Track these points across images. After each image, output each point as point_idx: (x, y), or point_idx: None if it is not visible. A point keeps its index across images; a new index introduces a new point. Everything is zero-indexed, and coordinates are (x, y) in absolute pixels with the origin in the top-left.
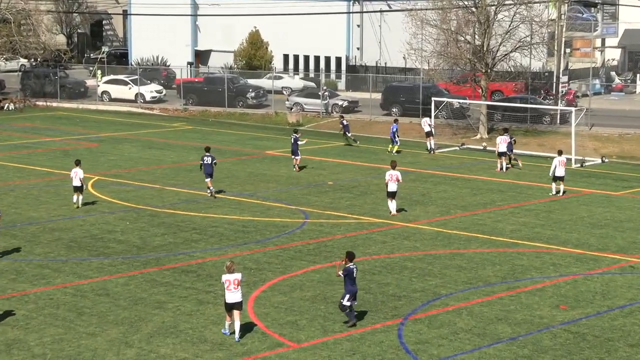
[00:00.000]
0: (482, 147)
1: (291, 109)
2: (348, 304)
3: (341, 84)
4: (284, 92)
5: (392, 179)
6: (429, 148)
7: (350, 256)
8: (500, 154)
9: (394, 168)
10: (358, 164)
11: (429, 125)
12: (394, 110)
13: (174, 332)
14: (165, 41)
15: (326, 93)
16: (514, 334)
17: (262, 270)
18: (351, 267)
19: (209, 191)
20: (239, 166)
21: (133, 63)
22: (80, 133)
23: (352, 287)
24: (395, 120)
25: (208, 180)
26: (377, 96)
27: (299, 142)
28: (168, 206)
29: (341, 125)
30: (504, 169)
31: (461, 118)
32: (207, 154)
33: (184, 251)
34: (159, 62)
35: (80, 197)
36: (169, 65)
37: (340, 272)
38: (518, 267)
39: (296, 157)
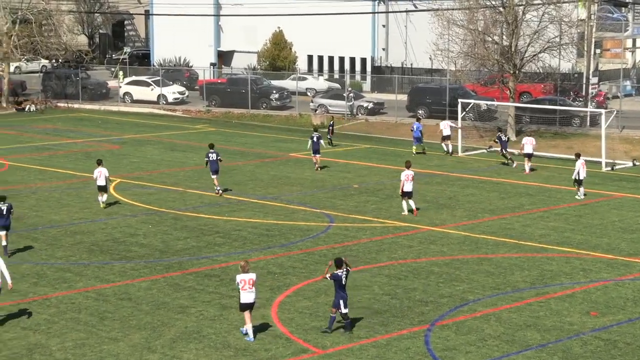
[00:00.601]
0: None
1: (315, 110)
2: (346, 310)
3: (366, 85)
4: (308, 94)
5: (408, 179)
6: (449, 151)
7: (337, 263)
8: (526, 156)
9: (408, 168)
10: (384, 166)
11: (450, 127)
12: (420, 112)
13: (197, 338)
14: (188, 42)
15: (351, 94)
16: (543, 341)
17: (286, 274)
18: (339, 273)
19: (217, 190)
20: (263, 169)
21: (155, 64)
22: (102, 135)
23: (342, 294)
24: (418, 119)
25: (215, 177)
26: (403, 98)
27: (321, 142)
28: (191, 209)
29: (330, 128)
30: (527, 171)
31: (488, 120)
32: (212, 150)
33: (207, 255)
34: (182, 63)
35: (105, 196)
36: (191, 66)
37: (328, 275)
38: (547, 272)
39: (316, 156)
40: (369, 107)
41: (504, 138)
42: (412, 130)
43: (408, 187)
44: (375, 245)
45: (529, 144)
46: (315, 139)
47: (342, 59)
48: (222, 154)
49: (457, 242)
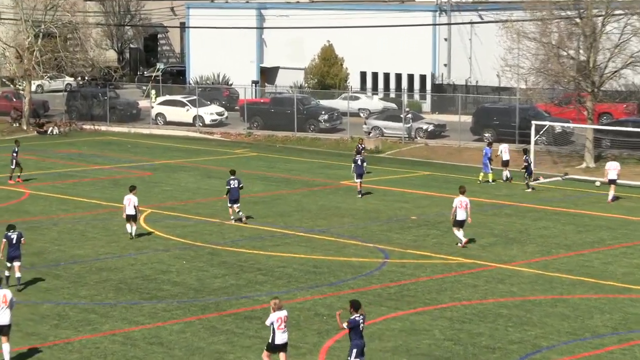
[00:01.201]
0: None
1: (369, 133)
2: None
3: (426, 105)
4: (361, 115)
5: (462, 206)
6: (507, 178)
7: (355, 305)
8: (611, 182)
9: (463, 194)
10: (445, 195)
11: (508, 152)
12: (487, 135)
13: None
14: (228, 57)
15: (409, 115)
16: None
17: (335, 317)
18: (357, 318)
19: (232, 219)
20: (310, 198)
21: (191, 82)
22: (131, 160)
23: (359, 341)
24: (489, 144)
25: (235, 206)
26: (467, 119)
27: (365, 164)
28: (229, 243)
29: (359, 149)
30: (610, 199)
31: (564, 144)
32: (233, 177)
33: (248, 294)
34: (220, 80)
35: (134, 227)
36: (231, 84)
37: (345, 324)
38: (631, 315)
39: (359, 181)
40: (429, 130)
41: (530, 160)
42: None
43: (461, 215)
44: (436, 285)
45: (613, 169)
46: (359, 162)
47: (399, 76)
48: (266, 181)
49: (528, 281)
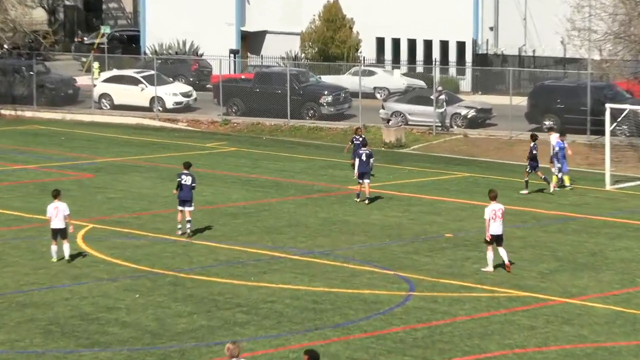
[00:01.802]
0: None
1: (388, 120)
2: None
3: (465, 83)
4: (378, 96)
5: (497, 216)
6: (557, 176)
7: (312, 356)
8: None
9: (494, 199)
10: None
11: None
12: (548, 122)
13: None
14: (197, 19)
15: (442, 97)
16: None
17: None
18: None
19: (180, 230)
20: (308, 209)
21: (147, 51)
22: (66, 157)
23: None
24: (562, 134)
25: (186, 210)
26: (522, 101)
27: (372, 161)
28: (199, 270)
29: (350, 143)
30: None
31: None
32: (186, 171)
33: (223, 340)
34: (187, 50)
35: (66, 245)
36: (201, 55)
37: None
38: None
39: (365, 182)
40: (469, 116)
41: (535, 152)
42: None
43: (497, 228)
44: (479, 326)
45: None
46: (364, 156)
47: (428, 44)
48: (248, 186)
49: (604, 321)
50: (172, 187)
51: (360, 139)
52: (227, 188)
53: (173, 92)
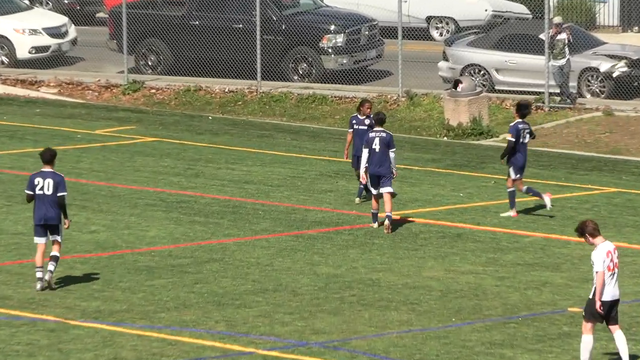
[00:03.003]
0: None
1: (456, 83)
2: None
3: (608, 11)
4: (436, 34)
5: (612, 267)
6: None
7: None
8: None
9: (598, 234)
10: None
11: None
12: None
13: None
14: None
15: (563, 36)
16: None
17: None
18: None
19: (39, 279)
20: (298, 257)
21: None
22: None
23: None
24: None
25: (53, 239)
26: None
27: (392, 155)
28: None
29: (349, 134)
30: None
31: None
32: (49, 169)
33: None
34: None
35: None
36: None
37: None
38: None
39: (384, 190)
40: (616, 74)
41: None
42: None
43: (613, 288)
44: None
45: None
46: (377, 144)
47: None
48: (179, 211)
49: None
50: (23, 218)
51: (367, 121)
52: (137, 217)
53: (31, 28)
